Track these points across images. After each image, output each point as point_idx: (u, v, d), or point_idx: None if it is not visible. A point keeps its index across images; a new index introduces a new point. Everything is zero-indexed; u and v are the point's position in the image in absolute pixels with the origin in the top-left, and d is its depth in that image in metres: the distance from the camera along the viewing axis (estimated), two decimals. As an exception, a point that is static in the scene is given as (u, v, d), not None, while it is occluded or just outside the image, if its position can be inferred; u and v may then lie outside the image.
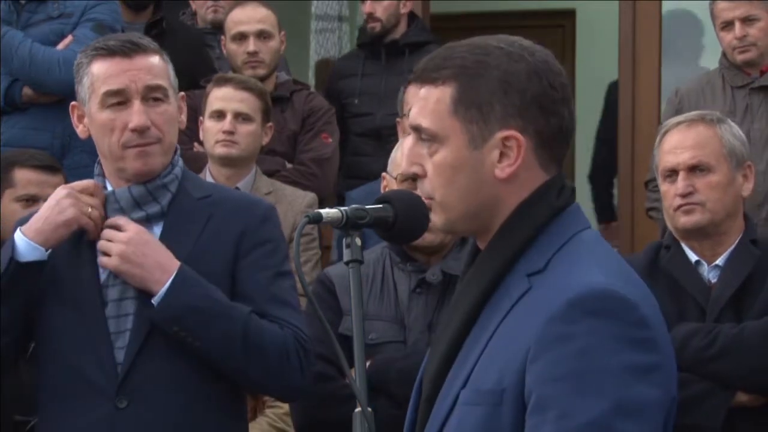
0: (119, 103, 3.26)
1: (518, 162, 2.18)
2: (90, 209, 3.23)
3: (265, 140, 5.14)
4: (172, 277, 3.18)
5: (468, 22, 8.78)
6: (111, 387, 3.18)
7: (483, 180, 2.19)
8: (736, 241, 3.85)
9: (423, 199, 2.24)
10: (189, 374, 3.21)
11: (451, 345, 2.20)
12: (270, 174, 5.29)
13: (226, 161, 4.99)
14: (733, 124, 3.96)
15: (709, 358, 3.67)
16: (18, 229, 3.25)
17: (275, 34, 5.77)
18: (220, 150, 4.96)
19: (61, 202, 3.22)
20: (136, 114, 3.24)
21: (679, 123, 3.92)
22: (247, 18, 5.76)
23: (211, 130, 4.99)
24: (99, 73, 3.28)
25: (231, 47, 5.78)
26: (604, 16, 8.47)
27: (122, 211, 3.28)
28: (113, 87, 3.25)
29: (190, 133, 5.27)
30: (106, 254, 3.22)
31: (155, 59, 3.33)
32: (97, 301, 3.23)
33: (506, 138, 2.18)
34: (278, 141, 5.56)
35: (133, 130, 3.24)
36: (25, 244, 3.22)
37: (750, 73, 5.49)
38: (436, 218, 2.23)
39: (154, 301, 3.19)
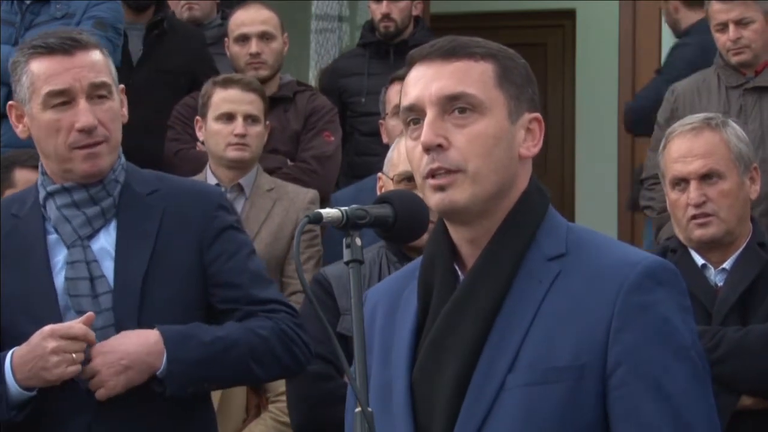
0: (63, 103, 3.16)
1: (540, 143, 2.29)
2: (75, 355, 3.08)
3: (265, 138, 5.16)
4: (164, 346, 3.11)
5: (468, 22, 8.79)
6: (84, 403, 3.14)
7: (512, 156, 2.27)
8: (744, 245, 3.83)
9: (439, 171, 2.23)
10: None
11: (476, 336, 2.21)
12: (272, 171, 5.31)
13: (239, 164, 5.01)
14: (736, 125, 3.93)
15: (713, 362, 3.63)
16: (9, 372, 3.10)
17: (278, 36, 5.78)
18: (233, 154, 4.97)
19: (46, 359, 3.06)
20: (83, 114, 3.14)
21: (684, 129, 3.87)
22: (250, 20, 5.77)
23: (220, 132, 4.98)
24: (40, 73, 3.17)
25: (234, 49, 5.79)
26: (604, 16, 8.49)
27: (75, 206, 3.21)
28: (57, 87, 3.15)
29: (193, 132, 5.27)
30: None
31: (96, 55, 3.21)
32: (57, 313, 3.16)
33: (532, 120, 2.29)
34: (281, 140, 5.56)
35: (81, 130, 3.15)
36: (16, 392, 3.10)
37: (745, 73, 5.48)
38: (460, 193, 2.23)
39: (160, 376, 3.11)
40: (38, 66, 3.18)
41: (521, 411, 2.16)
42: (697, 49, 6.40)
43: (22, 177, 4.44)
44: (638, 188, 6.55)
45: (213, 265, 3.24)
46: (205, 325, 3.19)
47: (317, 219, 2.17)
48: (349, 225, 2.19)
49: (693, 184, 3.81)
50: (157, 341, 3.11)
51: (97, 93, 3.18)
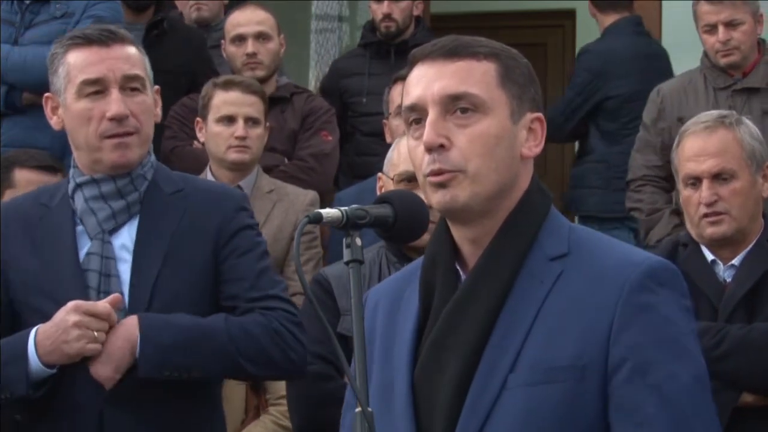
0: (97, 92, 3.21)
1: (542, 143, 2.29)
2: (97, 334, 3.12)
3: (265, 140, 5.16)
4: (138, 330, 3.14)
5: (468, 22, 8.79)
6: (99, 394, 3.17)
7: (514, 156, 2.27)
8: (754, 242, 3.87)
9: (440, 173, 2.23)
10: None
11: (478, 336, 2.22)
12: (269, 169, 5.32)
13: (239, 166, 5.02)
14: (750, 123, 3.96)
15: (716, 358, 3.66)
16: (32, 347, 3.14)
17: (274, 36, 5.79)
18: (234, 156, 4.98)
19: (68, 332, 3.11)
20: (114, 102, 3.19)
21: (698, 127, 3.90)
22: (246, 20, 5.79)
23: (221, 134, 4.99)
24: (76, 62, 3.23)
25: (230, 50, 5.80)
26: (604, 16, 8.46)
27: (103, 199, 3.24)
28: (91, 76, 3.21)
29: (190, 131, 5.27)
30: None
31: (132, 49, 3.27)
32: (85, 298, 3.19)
33: (534, 119, 2.29)
34: (278, 140, 5.57)
35: (112, 119, 3.19)
36: (37, 368, 3.14)
37: (733, 74, 5.48)
38: (460, 191, 2.23)
39: (136, 357, 3.14)
40: (75, 56, 3.24)
41: (522, 411, 2.17)
42: (598, 57, 6.49)
43: (22, 177, 4.45)
44: (572, 189, 6.61)
45: (224, 263, 3.27)
46: (190, 315, 3.21)
47: (317, 219, 2.17)
48: (349, 225, 2.18)
49: (705, 183, 3.85)
50: (132, 323, 3.15)
51: (130, 85, 3.23)
